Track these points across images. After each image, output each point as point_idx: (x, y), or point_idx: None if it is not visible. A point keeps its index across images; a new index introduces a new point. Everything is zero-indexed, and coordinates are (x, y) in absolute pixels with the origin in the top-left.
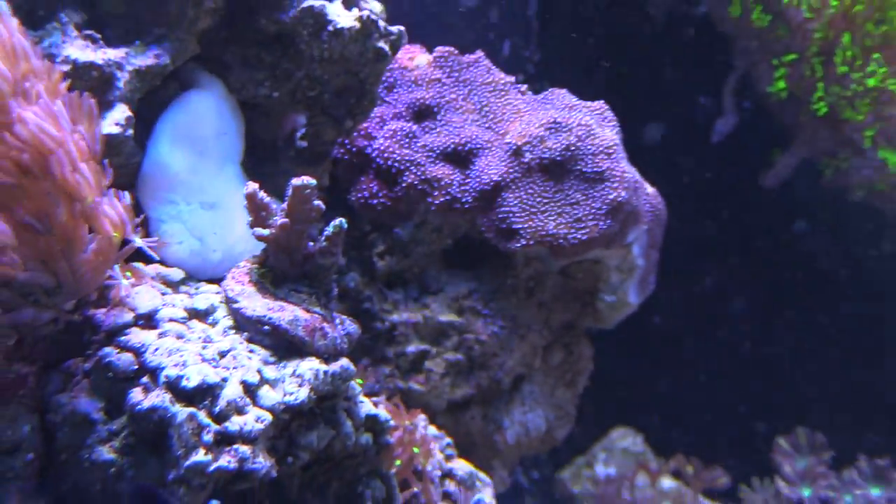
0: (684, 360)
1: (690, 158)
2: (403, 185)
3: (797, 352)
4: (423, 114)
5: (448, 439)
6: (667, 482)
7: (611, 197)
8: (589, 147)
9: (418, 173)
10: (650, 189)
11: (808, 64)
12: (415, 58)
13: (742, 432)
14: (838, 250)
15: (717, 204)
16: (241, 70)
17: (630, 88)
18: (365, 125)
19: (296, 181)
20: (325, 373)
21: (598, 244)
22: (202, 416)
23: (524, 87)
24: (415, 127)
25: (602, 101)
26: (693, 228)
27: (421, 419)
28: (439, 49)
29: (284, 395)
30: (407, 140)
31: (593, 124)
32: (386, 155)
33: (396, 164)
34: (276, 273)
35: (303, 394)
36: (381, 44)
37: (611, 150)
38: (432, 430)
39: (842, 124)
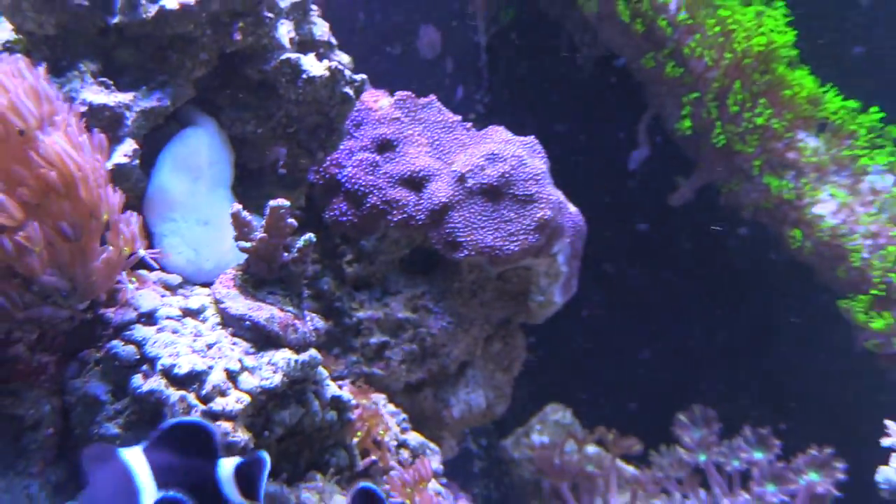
0: (607, 349)
1: (612, 182)
2: (368, 205)
3: (699, 341)
4: (384, 146)
5: (404, 415)
6: (591, 448)
7: (538, 216)
8: (521, 174)
9: (380, 196)
10: (573, 209)
11: (707, 106)
12: (379, 100)
13: (652, 409)
14: (731, 256)
15: (633, 219)
16: (231, 110)
17: (562, 125)
18: (336, 156)
19: (272, 203)
20: (296, 361)
21: (528, 254)
22: (191, 398)
23: (469, 124)
24: (378, 157)
25: (533, 136)
26: (615, 239)
27: (381, 398)
28: (399, 93)
29: (261, 380)
30: (371, 168)
31: (525, 155)
32: (354, 181)
33: (362, 188)
34: (256, 279)
35: (277, 379)
36: (347, 89)
37: (539, 177)
38: (390, 407)
39: (734, 155)
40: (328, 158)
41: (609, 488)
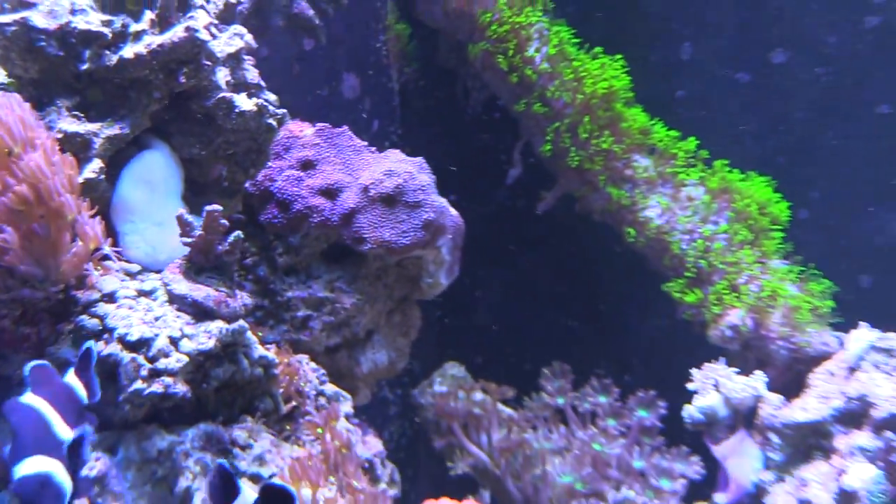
0: (494, 320)
1: (495, 193)
2: (294, 210)
3: (562, 313)
4: (307, 165)
5: (323, 371)
6: (477, 395)
7: (424, 217)
8: (411, 186)
9: (304, 203)
10: (454, 212)
11: (563, 135)
12: (304, 130)
13: (525, 366)
14: (585, 249)
15: (509, 222)
16: (180, 136)
17: (458, 151)
18: (269, 172)
19: (208, 208)
20: (227, 330)
21: (417, 247)
22: (140, 359)
23: (374, 148)
24: (302, 174)
25: (422, 158)
26: (495, 237)
27: (304, 358)
28: (319, 124)
29: (198, 344)
30: (296, 182)
31: (414, 171)
32: (283, 191)
33: (289, 197)
34: (197, 266)
35: (211, 343)
36: (271, 120)
37: (425, 188)
38: (312, 365)
39: (585, 172)
40: (263, 174)
41: (491, 425)
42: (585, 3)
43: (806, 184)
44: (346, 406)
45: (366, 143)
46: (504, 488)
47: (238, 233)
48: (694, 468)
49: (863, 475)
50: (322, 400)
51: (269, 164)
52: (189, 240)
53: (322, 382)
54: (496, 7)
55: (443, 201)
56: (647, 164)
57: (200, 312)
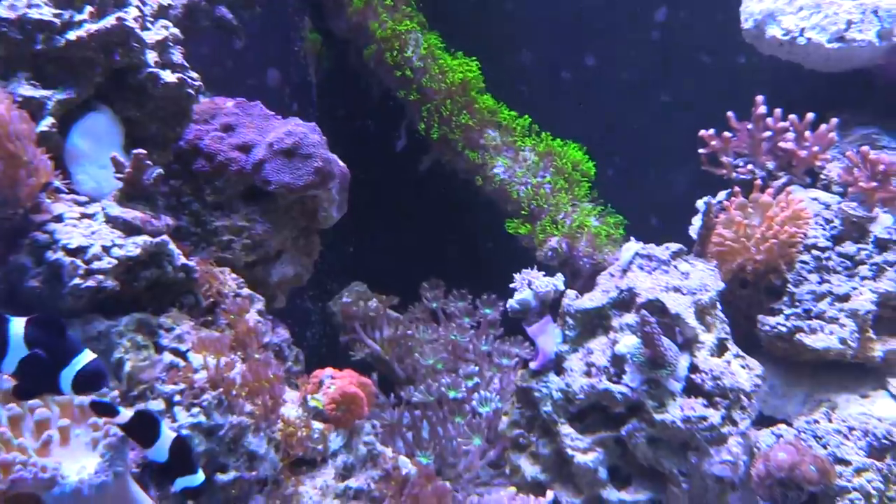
0: (390, 252)
1: (387, 159)
2: (217, 161)
3: (439, 243)
4: (227, 128)
5: (241, 279)
6: (373, 303)
7: (315, 165)
8: (305, 142)
9: (225, 156)
10: (341, 164)
11: (433, 115)
12: (226, 103)
13: (411, 281)
14: (455, 198)
15: (400, 178)
16: (120, 102)
17: (362, 128)
18: (199, 133)
19: (135, 151)
20: (151, 242)
21: (311, 188)
22: (78, 262)
23: (280, 117)
24: (223, 135)
25: (314, 123)
26: (390, 190)
27: (227, 270)
28: (238, 99)
29: (126, 252)
30: (219, 140)
31: (308, 132)
32: (209, 147)
33: (214, 151)
34: (129, 196)
35: (137, 251)
36: (190, 90)
37: (316, 144)
38: (233, 275)
39: (450, 142)
40: (194, 134)
41: (382, 324)
42: (451, 18)
43: (612, 152)
44: (259, 304)
45: (273, 113)
46: (391, 369)
47: (159, 169)
48: (525, 350)
49: (628, 343)
50: (239, 300)
51: (198, 127)
52: (122, 175)
53: (240, 287)
54: (382, 20)
55: (332, 155)
56: (495, 136)
57: (130, 229)
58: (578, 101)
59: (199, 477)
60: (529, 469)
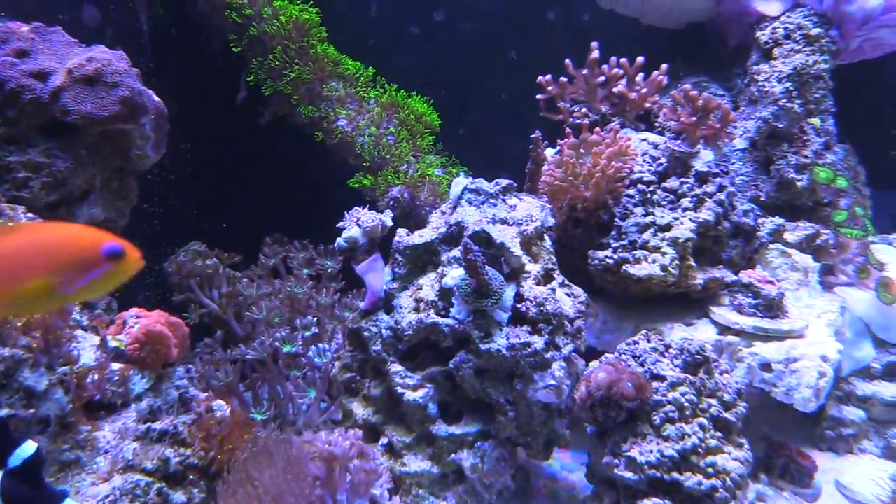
0: (225, 206)
1: (228, 110)
2: (8, 88)
3: (275, 196)
4: (21, 54)
5: (40, 219)
6: (211, 261)
7: (121, 94)
8: (109, 70)
9: (17, 82)
10: (157, 98)
11: (266, 67)
12: (21, 28)
13: (250, 237)
14: (297, 151)
15: (240, 132)
16: None
17: (201, 78)
18: None
19: None
20: None
21: (117, 120)
22: None
23: (84, 44)
24: (17, 60)
25: (122, 51)
26: (230, 144)
27: (21, 208)
28: (34, 23)
29: None
30: (11, 66)
31: (114, 60)
32: (1, 73)
33: (4, 77)
34: None
35: None
36: None
37: (122, 73)
38: (30, 214)
39: (286, 95)
40: None
41: (220, 282)
42: None
43: (462, 108)
44: None
45: (76, 41)
46: (230, 328)
47: None
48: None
49: (455, 275)
50: None
51: None
52: None
53: None
54: None
55: (143, 87)
56: (339, 87)
57: None
58: (426, 54)
59: None
60: (361, 412)
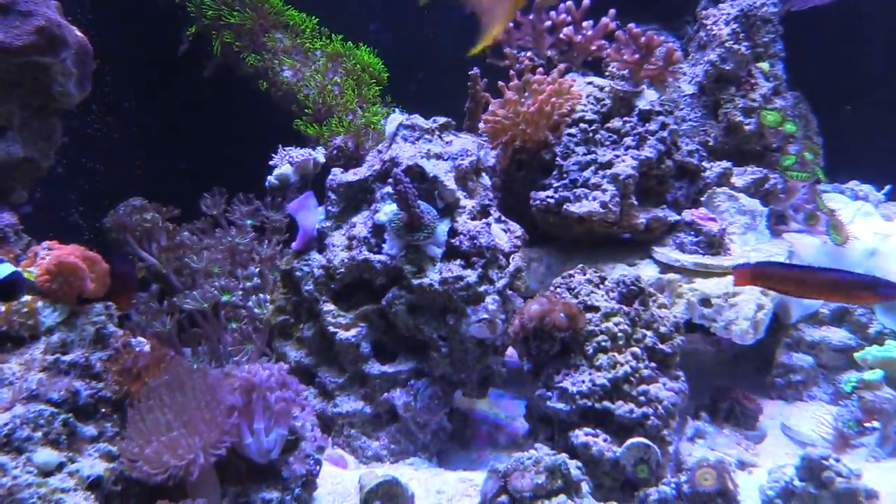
0: (172, 158)
1: (189, 70)
2: None
3: (220, 148)
4: None
5: None
6: (149, 214)
7: (37, 24)
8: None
9: None
10: (79, 33)
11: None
12: None
13: (190, 193)
14: (244, 102)
15: (185, 85)
16: None
17: (148, 37)
18: None
19: None
20: None
21: (33, 51)
22: None
23: None
24: None
25: None
26: (177, 97)
27: None
28: None
29: None
30: None
31: None
32: None
33: None
34: None
35: None
36: None
37: (38, 2)
38: None
39: (232, 45)
40: None
41: (159, 235)
42: None
43: (411, 63)
44: None
45: None
46: (169, 282)
47: None
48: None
49: (387, 210)
50: None
51: None
52: None
53: None
54: None
55: (62, 20)
56: (283, 38)
57: None
58: (376, 5)
59: None
60: (294, 354)
